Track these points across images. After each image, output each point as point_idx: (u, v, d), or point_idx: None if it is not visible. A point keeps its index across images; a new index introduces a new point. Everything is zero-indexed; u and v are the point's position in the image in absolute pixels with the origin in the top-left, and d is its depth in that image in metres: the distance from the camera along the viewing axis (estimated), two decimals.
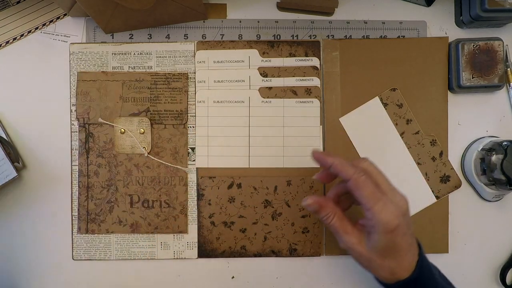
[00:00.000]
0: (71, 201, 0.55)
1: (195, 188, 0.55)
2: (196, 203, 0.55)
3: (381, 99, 0.55)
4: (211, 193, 0.55)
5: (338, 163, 0.41)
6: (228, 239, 0.55)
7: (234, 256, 0.55)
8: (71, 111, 0.55)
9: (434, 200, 0.55)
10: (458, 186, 0.55)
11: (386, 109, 0.55)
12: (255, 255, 0.55)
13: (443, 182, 0.55)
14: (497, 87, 0.55)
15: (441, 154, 0.55)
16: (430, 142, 0.55)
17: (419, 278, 0.40)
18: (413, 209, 0.54)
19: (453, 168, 0.55)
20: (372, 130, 0.55)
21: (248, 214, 0.55)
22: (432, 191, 0.55)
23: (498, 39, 0.54)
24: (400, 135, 0.55)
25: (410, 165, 0.55)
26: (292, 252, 0.55)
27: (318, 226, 0.55)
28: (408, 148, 0.55)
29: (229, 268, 0.56)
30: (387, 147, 0.55)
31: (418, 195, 0.55)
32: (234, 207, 0.55)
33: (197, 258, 0.55)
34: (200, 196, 0.55)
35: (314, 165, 0.55)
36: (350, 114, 0.55)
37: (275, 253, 0.55)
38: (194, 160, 0.55)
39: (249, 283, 0.56)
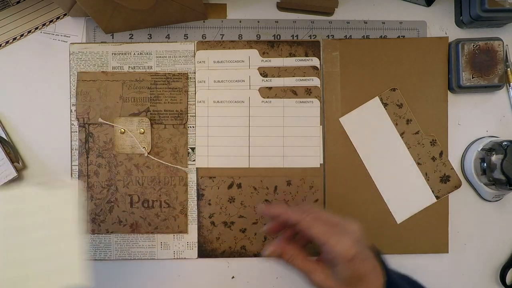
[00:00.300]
0: None
1: (195, 188, 0.55)
2: (196, 203, 0.55)
3: (381, 99, 0.55)
4: (211, 193, 0.55)
5: (284, 210, 0.43)
6: (228, 239, 0.55)
7: (234, 256, 0.55)
8: (71, 111, 0.55)
9: (434, 200, 0.55)
10: (458, 186, 0.55)
11: (386, 109, 0.55)
12: (255, 255, 0.55)
13: (443, 182, 0.55)
14: (497, 87, 0.55)
15: (441, 154, 0.55)
16: (430, 142, 0.55)
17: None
18: (413, 209, 0.55)
19: (453, 168, 0.55)
20: (372, 130, 0.55)
21: (248, 214, 0.55)
22: (432, 191, 0.55)
23: (498, 39, 0.54)
24: (400, 135, 0.55)
25: (410, 165, 0.55)
26: None
27: None
28: (408, 148, 0.55)
29: (229, 268, 0.56)
30: (387, 146, 0.55)
31: (418, 195, 0.55)
32: (234, 207, 0.55)
33: (197, 258, 0.55)
34: (200, 196, 0.55)
35: (314, 165, 0.55)
36: (350, 114, 0.55)
37: None
38: (194, 160, 0.55)
39: (249, 283, 0.56)
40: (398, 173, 0.55)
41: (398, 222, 0.55)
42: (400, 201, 0.55)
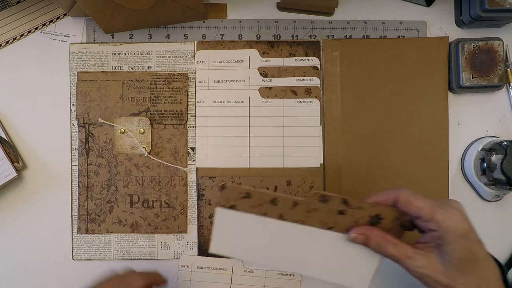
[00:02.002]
0: (71, 201, 0.55)
1: (195, 188, 0.55)
2: (196, 203, 0.55)
3: (223, 206, 0.41)
4: (211, 193, 0.55)
5: (377, 196, 0.38)
6: None
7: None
8: (71, 111, 0.55)
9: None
10: (398, 216, 0.39)
11: (238, 209, 0.41)
12: None
13: (375, 224, 0.40)
14: (497, 87, 0.55)
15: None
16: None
17: None
18: None
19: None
20: (251, 235, 0.42)
21: None
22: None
23: (498, 39, 0.54)
24: (281, 219, 0.41)
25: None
26: None
27: None
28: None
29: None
30: None
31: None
32: None
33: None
34: (200, 196, 0.55)
35: (314, 165, 0.55)
36: (214, 240, 0.42)
37: None
38: (194, 160, 0.55)
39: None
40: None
41: None
42: None
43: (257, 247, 0.42)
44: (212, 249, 0.43)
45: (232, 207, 0.41)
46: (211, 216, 0.55)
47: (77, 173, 0.55)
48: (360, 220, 0.39)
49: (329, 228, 0.40)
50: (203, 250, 0.55)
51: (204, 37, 0.56)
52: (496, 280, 0.35)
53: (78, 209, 0.55)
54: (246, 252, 0.42)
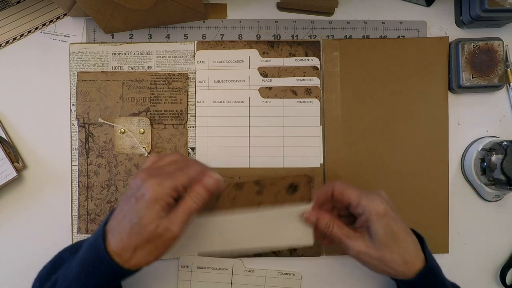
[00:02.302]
0: (71, 201, 0.55)
1: None
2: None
3: None
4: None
5: (319, 191, 0.45)
6: None
7: (235, 257, 0.55)
8: (71, 111, 0.55)
9: (309, 206, 0.46)
10: (309, 180, 0.49)
11: None
12: (255, 255, 0.55)
13: (293, 192, 0.49)
14: (497, 87, 0.55)
15: None
16: None
17: (432, 265, 0.42)
18: None
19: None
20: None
21: None
22: (296, 205, 0.47)
23: (498, 39, 0.54)
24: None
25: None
26: (292, 253, 0.55)
27: None
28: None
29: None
30: None
31: (294, 218, 0.47)
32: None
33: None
34: None
35: (314, 165, 0.55)
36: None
37: (275, 253, 0.55)
38: None
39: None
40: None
41: None
42: None
43: (211, 241, 0.47)
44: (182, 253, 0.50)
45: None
46: None
47: (77, 173, 0.55)
48: (278, 194, 0.46)
49: (258, 206, 0.46)
50: None
51: (204, 37, 0.56)
52: (417, 250, 0.42)
53: (78, 209, 0.55)
54: (210, 246, 0.47)
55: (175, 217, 0.39)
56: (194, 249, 0.47)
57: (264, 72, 0.55)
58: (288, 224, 0.46)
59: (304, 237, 0.46)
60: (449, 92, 0.56)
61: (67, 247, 0.47)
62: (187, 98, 0.55)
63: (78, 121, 0.55)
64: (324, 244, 0.49)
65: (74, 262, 0.42)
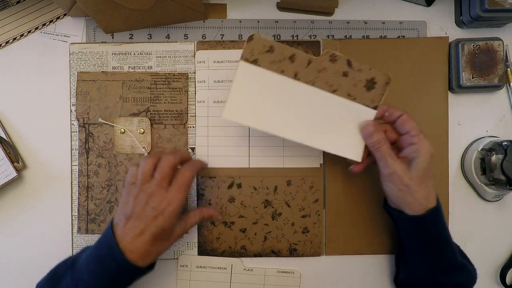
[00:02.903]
0: (71, 201, 0.55)
1: (195, 188, 0.55)
2: (196, 203, 0.55)
3: (246, 60, 0.46)
4: (211, 193, 0.55)
5: (388, 107, 0.48)
6: (228, 239, 0.55)
7: (234, 256, 0.55)
8: (71, 111, 0.55)
9: (373, 113, 0.48)
10: (388, 81, 0.48)
11: (259, 65, 0.46)
12: (255, 255, 0.55)
13: (369, 89, 0.48)
14: (497, 87, 0.55)
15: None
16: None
17: (441, 208, 0.47)
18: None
19: (372, 68, 0.48)
20: (266, 97, 0.47)
21: (248, 214, 0.55)
22: (365, 105, 0.48)
23: (498, 39, 0.54)
24: (295, 79, 0.47)
25: (324, 97, 0.48)
26: (292, 252, 0.55)
27: (318, 226, 0.55)
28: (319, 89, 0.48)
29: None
30: (294, 98, 0.48)
31: (355, 119, 0.48)
32: (234, 207, 0.55)
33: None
34: (200, 196, 0.55)
35: (314, 165, 0.55)
36: (229, 105, 0.46)
37: (275, 253, 0.55)
38: None
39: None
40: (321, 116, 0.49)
41: None
42: None
43: (269, 114, 0.47)
44: (226, 115, 0.47)
45: (254, 61, 0.46)
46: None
47: (77, 173, 0.55)
48: (358, 84, 0.47)
49: (334, 91, 0.47)
50: (203, 250, 0.55)
51: (204, 37, 0.56)
52: (434, 194, 0.47)
53: (78, 209, 0.55)
54: (257, 119, 0.47)
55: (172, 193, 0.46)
56: (251, 117, 0.46)
57: None
58: (347, 129, 0.48)
59: (355, 150, 0.48)
60: (449, 92, 0.56)
61: (61, 262, 0.47)
62: (187, 98, 0.55)
63: (78, 121, 0.55)
64: (353, 170, 0.50)
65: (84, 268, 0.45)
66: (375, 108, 0.48)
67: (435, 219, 0.47)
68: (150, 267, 0.47)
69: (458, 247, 0.51)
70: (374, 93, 0.48)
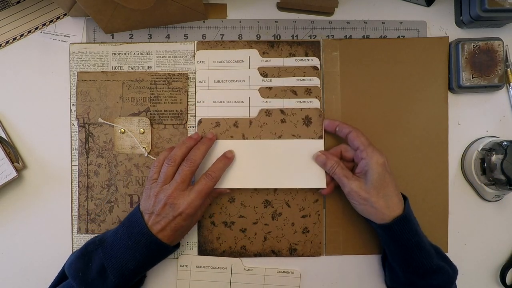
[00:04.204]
0: (71, 201, 0.55)
1: None
2: None
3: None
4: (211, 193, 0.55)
5: (340, 123, 0.53)
6: (228, 239, 0.55)
7: (234, 256, 0.55)
8: (71, 111, 0.55)
9: (321, 142, 0.54)
10: (320, 113, 0.54)
11: None
12: (255, 255, 0.55)
13: (308, 125, 0.54)
14: (497, 87, 0.55)
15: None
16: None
17: (408, 215, 0.49)
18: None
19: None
20: None
21: (248, 214, 0.55)
22: (310, 138, 0.54)
23: (498, 39, 0.54)
24: (244, 139, 0.54)
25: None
26: (292, 252, 0.55)
27: (318, 226, 0.55)
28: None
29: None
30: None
31: (308, 153, 0.54)
32: (234, 207, 0.55)
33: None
34: None
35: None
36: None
37: (275, 253, 0.55)
38: None
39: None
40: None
41: None
42: None
43: (233, 172, 0.53)
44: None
45: None
46: (211, 216, 0.55)
47: (77, 173, 0.55)
48: (297, 124, 0.54)
49: (280, 137, 0.54)
50: (203, 250, 0.55)
51: (204, 37, 0.56)
52: (400, 202, 0.49)
53: (78, 209, 0.55)
54: (225, 180, 0.53)
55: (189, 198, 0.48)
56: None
57: (264, 72, 0.55)
58: (302, 158, 0.54)
59: (318, 179, 0.53)
60: (449, 92, 0.56)
61: (89, 241, 0.50)
62: (187, 98, 0.55)
63: (78, 121, 0.55)
64: (323, 193, 0.54)
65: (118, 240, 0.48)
66: (320, 137, 0.54)
67: (402, 227, 0.48)
68: (176, 246, 0.52)
69: (436, 248, 0.51)
70: (313, 126, 0.54)
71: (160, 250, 0.48)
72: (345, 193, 0.51)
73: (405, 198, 0.51)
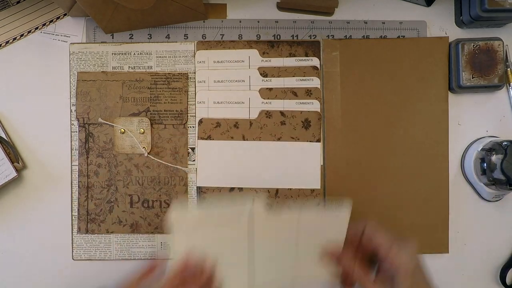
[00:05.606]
0: (71, 201, 0.55)
1: (195, 188, 0.55)
2: (196, 203, 0.55)
3: (202, 138, 0.54)
4: (212, 196, 0.55)
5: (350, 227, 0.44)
6: None
7: None
8: (71, 111, 0.55)
9: (318, 144, 0.54)
10: (319, 117, 0.55)
11: (213, 139, 0.55)
12: None
13: (307, 128, 0.55)
14: (497, 87, 0.55)
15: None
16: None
17: None
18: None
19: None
20: (226, 161, 0.55)
21: None
22: (309, 141, 0.54)
23: (498, 39, 0.54)
24: (244, 140, 0.54)
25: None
26: None
27: None
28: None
29: None
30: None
31: (305, 153, 0.55)
32: None
33: None
34: (202, 199, 0.55)
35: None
36: (199, 174, 0.53)
37: None
38: (194, 160, 0.55)
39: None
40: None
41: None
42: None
43: (233, 172, 0.54)
44: (200, 183, 0.55)
45: (209, 137, 0.55)
46: None
47: (77, 173, 0.55)
48: (296, 127, 0.55)
49: (279, 139, 0.55)
50: None
51: (204, 37, 0.56)
52: None
53: (78, 209, 0.55)
54: (226, 179, 0.54)
55: None
56: (218, 177, 0.54)
57: (264, 72, 0.55)
58: (300, 158, 0.54)
59: (313, 179, 0.54)
60: (449, 92, 0.56)
61: None
62: (187, 98, 0.55)
63: (78, 121, 0.55)
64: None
65: None
66: (318, 141, 0.54)
67: None
68: None
69: None
70: (312, 129, 0.55)
71: None
72: None
73: None
